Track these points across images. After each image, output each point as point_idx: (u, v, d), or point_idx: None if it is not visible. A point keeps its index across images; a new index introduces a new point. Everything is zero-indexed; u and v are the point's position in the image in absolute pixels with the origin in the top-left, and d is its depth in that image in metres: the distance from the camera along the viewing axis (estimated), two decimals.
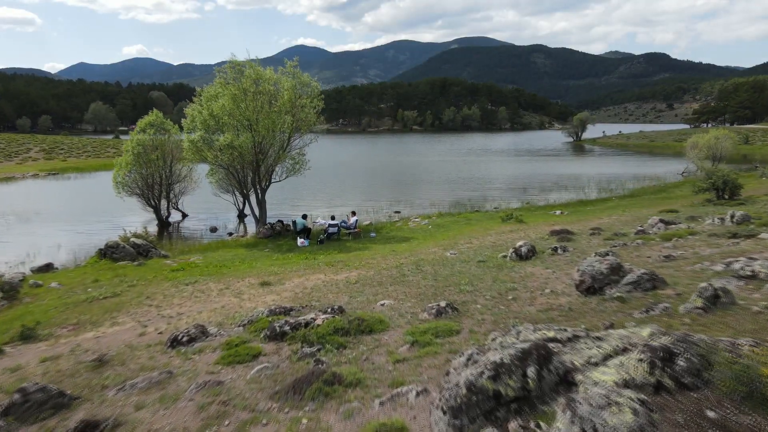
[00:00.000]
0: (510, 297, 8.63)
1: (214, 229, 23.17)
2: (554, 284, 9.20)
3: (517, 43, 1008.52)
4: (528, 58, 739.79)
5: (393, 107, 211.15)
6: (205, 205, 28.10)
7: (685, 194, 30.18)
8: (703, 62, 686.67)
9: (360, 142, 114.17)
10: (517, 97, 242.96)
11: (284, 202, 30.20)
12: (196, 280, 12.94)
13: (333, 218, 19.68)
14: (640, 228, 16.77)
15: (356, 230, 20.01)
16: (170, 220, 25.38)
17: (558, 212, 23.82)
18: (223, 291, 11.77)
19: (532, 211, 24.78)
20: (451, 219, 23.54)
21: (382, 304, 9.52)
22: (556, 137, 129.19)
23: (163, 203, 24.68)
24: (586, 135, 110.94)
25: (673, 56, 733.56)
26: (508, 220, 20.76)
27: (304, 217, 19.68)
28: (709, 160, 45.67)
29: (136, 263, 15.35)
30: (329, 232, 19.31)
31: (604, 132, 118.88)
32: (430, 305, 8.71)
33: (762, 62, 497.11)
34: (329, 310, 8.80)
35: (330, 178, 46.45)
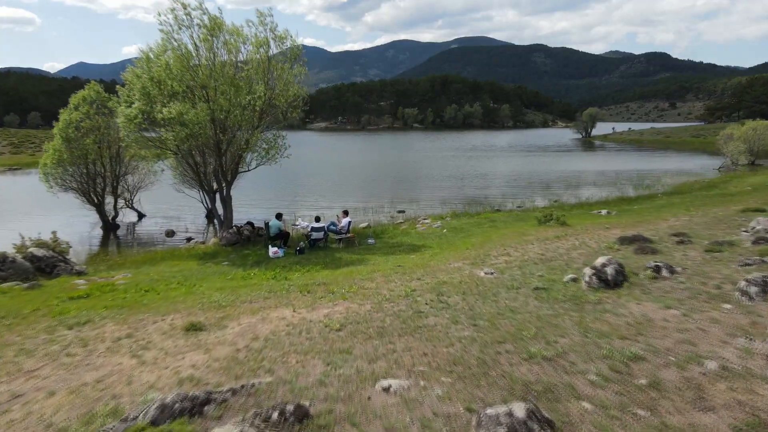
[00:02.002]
0: (643, 381, 4.20)
1: (170, 234, 18.35)
2: (712, 346, 4.75)
3: (517, 43, 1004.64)
4: (528, 57, 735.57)
5: (393, 105, 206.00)
6: (175, 203, 23.31)
7: (742, 190, 25.44)
8: (704, 62, 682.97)
9: (359, 139, 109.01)
10: (519, 95, 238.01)
11: (262, 201, 25.45)
12: (88, 320, 8.09)
13: (318, 220, 14.84)
14: (745, 232, 12.10)
15: (349, 235, 15.22)
16: (120, 221, 20.53)
17: (603, 212, 19.03)
18: (118, 343, 6.93)
19: (569, 211, 19.97)
20: (470, 220, 18.74)
21: (387, 389, 4.90)
22: (562, 135, 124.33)
23: (110, 201, 19.79)
24: (593, 132, 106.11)
25: (674, 56, 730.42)
26: (546, 222, 15.96)
27: (279, 217, 14.88)
28: (746, 154, 41.07)
29: (26, 285, 10.51)
30: (313, 238, 14.50)
31: (613, 128, 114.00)
32: (490, 412, 3.99)
33: (762, 62, 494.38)
34: (277, 414, 4.11)
35: (321, 172, 41.68)
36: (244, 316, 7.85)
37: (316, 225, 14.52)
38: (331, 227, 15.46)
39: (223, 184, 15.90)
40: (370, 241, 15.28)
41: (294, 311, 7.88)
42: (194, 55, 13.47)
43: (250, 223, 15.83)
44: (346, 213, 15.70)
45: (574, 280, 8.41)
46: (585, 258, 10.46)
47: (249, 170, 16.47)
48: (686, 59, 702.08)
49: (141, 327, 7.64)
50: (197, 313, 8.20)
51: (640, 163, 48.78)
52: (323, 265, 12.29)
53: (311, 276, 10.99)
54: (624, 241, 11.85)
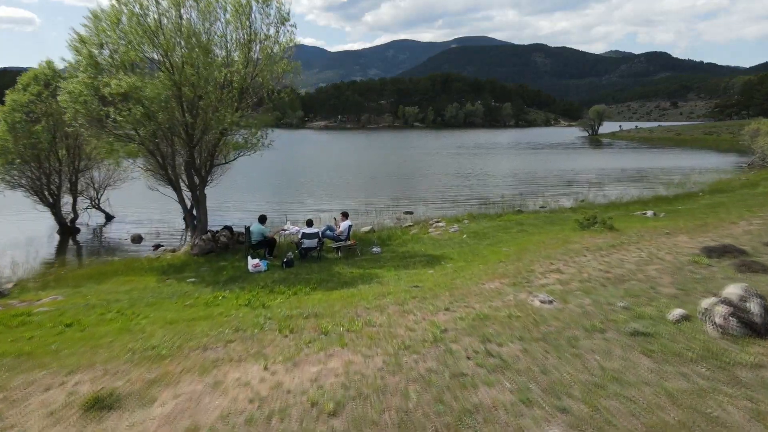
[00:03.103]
0: None
1: (137, 239, 15.48)
2: None
3: (517, 43, 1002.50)
4: (528, 57, 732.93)
5: (393, 103, 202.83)
6: (151, 203, 20.43)
7: None
8: (704, 61, 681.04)
9: (359, 137, 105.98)
10: (521, 94, 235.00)
11: (248, 202, 22.63)
12: None
13: (310, 224, 11.93)
14: None
15: (349, 243, 12.36)
16: (84, 224, 17.63)
17: (648, 213, 16.17)
18: None
19: (606, 212, 17.08)
20: (492, 223, 15.88)
21: None
22: (566, 133, 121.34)
23: (70, 200, 16.88)
24: (600, 131, 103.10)
25: (674, 55, 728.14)
26: (590, 227, 13.10)
27: (262, 220, 12.02)
28: None
29: None
30: (304, 246, 11.62)
31: (620, 126, 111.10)
32: None
33: (763, 61, 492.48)
34: None
35: (318, 170, 38.84)
36: (187, 378, 4.99)
37: (308, 230, 11.63)
38: (328, 233, 12.59)
39: (196, 180, 13.03)
40: (375, 249, 12.42)
41: (266, 368, 5.02)
42: (156, 18, 10.57)
43: (228, 228, 12.95)
44: (345, 215, 12.84)
45: (686, 318, 5.56)
46: (671, 278, 7.63)
47: (226, 162, 13.60)
48: (687, 59, 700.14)
49: (20, 400, 4.76)
50: (119, 370, 5.32)
51: (659, 160, 45.93)
52: (315, 284, 9.42)
53: (298, 301, 8.11)
54: (711, 252, 8.99)
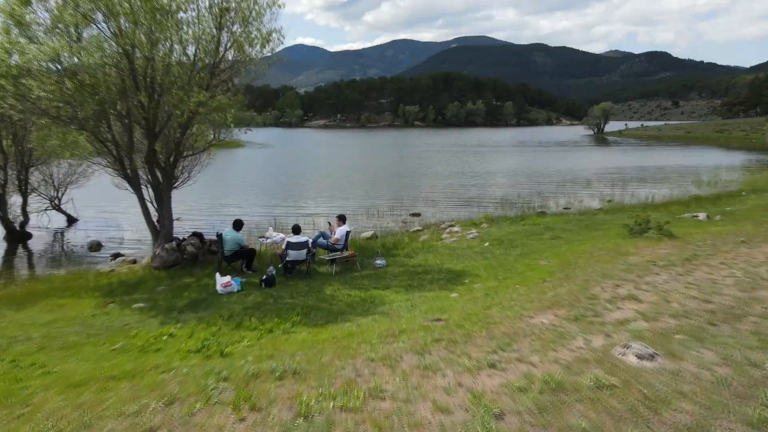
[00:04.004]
0: None
1: (95, 247, 13.02)
2: None
3: (517, 42, 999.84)
4: (528, 56, 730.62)
5: (393, 102, 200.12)
6: (123, 205, 17.96)
7: None
8: (705, 61, 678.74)
9: (358, 135, 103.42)
10: (522, 93, 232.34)
11: (226, 206, 20.25)
12: None
13: (297, 231, 9.45)
14: None
15: (347, 254, 9.92)
16: (43, 227, 15.18)
17: (701, 216, 13.74)
18: None
19: (644, 213, 14.65)
20: (516, 228, 13.43)
21: None
22: (571, 131, 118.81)
23: (21, 201, 14.41)
24: (605, 129, 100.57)
25: (674, 55, 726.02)
26: (642, 233, 10.67)
27: (238, 226, 9.58)
28: None
29: None
30: (289, 259, 9.15)
31: (626, 125, 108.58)
32: None
33: (764, 61, 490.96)
34: None
35: (313, 169, 36.46)
36: None
37: (295, 239, 9.17)
38: (321, 241, 10.16)
39: (159, 175, 10.60)
40: (378, 262, 9.98)
41: None
42: None
43: (197, 236, 10.49)
44: (342, 219, 10.40)
45: None
46: None
47: (194, 153, 11.16)
48: (687, 58, 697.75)
49: None
50: None
51: (677, 158, 43.44)
52: (300, 314, 6.99)
53: (273, 345, 5.68)
54: None
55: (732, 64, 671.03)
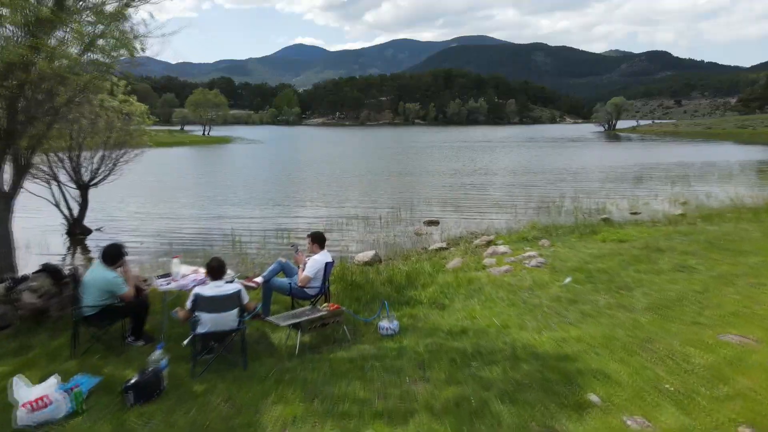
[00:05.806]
0: None
1: None
2: None
3: (517, 42, 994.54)
4: (529, 56, 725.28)
5: (393, 100, 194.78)
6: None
7: None
8: (705, 60, 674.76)
9: (358, 133, 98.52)
10: (525, 90, 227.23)
11: (156, 217, 15.69)
12: None
13: (218, 270, 4.61)
14: None
15: (324, 311, 5.12)
16: None
17: None
18: None
19: (740, 219, 9.97)
20: (595, 247, 8.62)
21: None
22: (578, 129, 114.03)
23: None
24: (617, 126, 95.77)
25: (675, 54, 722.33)
26: None
27: (112, 259, 4.75)
28: None
29: None
30: (202, 331, 4.35)
31: (638, 122, 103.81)
32: None
33: (764, 60, 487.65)
34: None
35: (308, 167, 31.83)
36: None
37: (212, 291, 4.39)
38: (279, 281, 5.47)
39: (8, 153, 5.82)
40: (384, 325, 5.21)
41: None
42: None
43: (49, 271, 5.64)
44: (318, 241, 5.65)
45: None
46: None
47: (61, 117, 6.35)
48: (687, 58, 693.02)
49: None
50: None
51: (717, 153, 38.50)
52: None
53: None
54: None
55: (732, 64, 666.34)
